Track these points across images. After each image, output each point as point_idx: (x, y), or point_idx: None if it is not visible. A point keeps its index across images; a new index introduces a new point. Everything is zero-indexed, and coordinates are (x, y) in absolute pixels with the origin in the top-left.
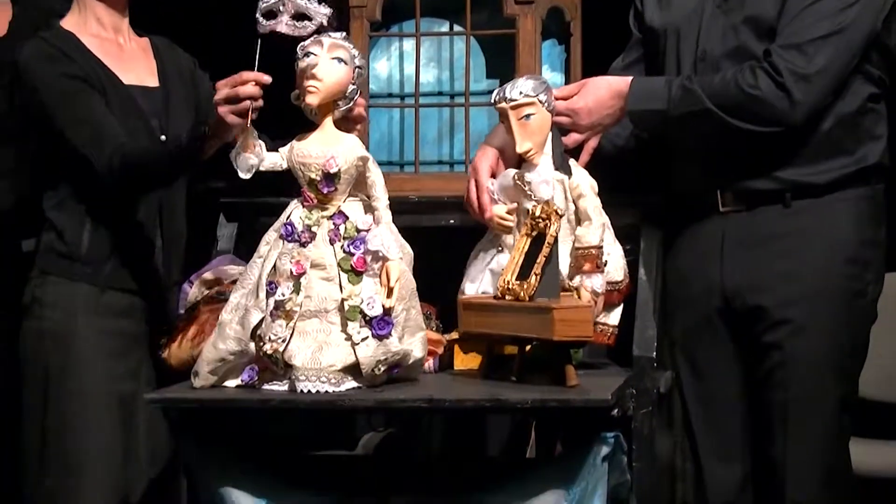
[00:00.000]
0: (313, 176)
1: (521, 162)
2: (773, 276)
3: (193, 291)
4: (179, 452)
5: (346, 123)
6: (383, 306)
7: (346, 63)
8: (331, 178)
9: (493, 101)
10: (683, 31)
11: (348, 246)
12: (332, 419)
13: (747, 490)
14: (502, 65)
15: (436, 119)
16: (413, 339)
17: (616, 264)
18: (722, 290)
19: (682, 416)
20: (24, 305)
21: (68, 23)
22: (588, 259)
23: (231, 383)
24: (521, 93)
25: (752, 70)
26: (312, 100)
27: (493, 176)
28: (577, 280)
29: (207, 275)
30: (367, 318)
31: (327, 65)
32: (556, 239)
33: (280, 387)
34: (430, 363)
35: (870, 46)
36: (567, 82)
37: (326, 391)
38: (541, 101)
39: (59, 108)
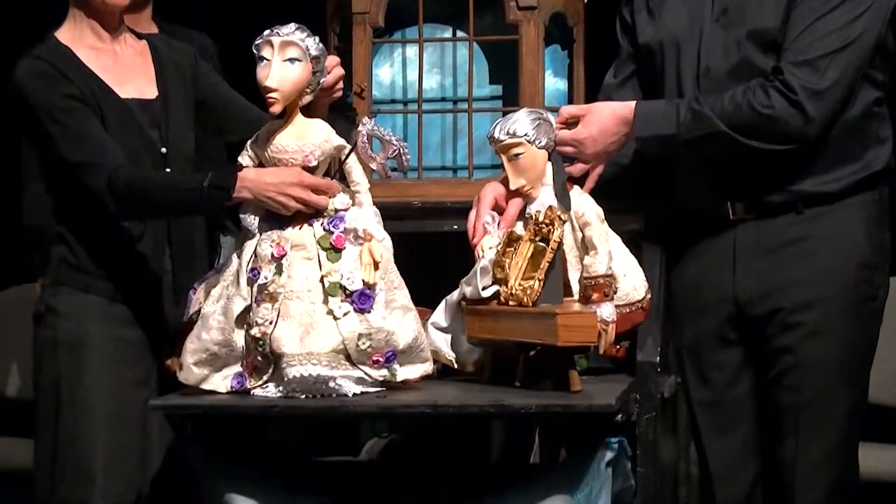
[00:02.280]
0: None
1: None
2: (786, 280)
3: (198, 297)
4: (185, 459)
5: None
6: (364, 281)
7: (299, 60)
8: (309, 171)
9: (486, 137)
10: (682, 46)
11: (328, 224)
12: (334, 424)
13: (757, 494)
14: (505, 70)
15: (439, 125)
16: (403, 320)
17: (635, 283)
18: (734, 297)
19: (689, 422)
20: (37, 314)
21: (64, 35)
22: (596, 289)
23: (218, 384)
24: (507, 133)
25: (763, 89)
26: (276, 109)
27: (497, 209)
28: None
29: (210, 282)
30: (348, 292)
31: (280, 70)
32: (559, 244)
33: (273, 391)
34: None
35: (874, 51)
36: (570, 88)
37: (319, 374)
38: (529, 141)
39: (54, 127)
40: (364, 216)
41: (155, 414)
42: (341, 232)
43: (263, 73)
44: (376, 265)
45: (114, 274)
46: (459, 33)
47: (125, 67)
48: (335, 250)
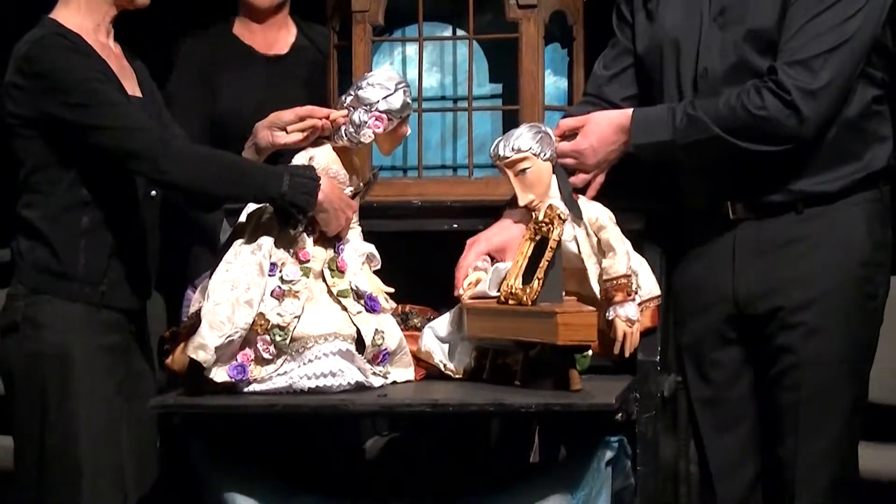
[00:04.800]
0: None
1: (529, 211)
2: (786, 280)
3: (197, 297)
4: (184, 458)
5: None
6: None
7: None
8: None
9: (490, 156)
10: (681, 47)
11: (338, 247)
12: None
13: (756, 492)
14: (505, 69)
15: (439, 123)
16: (388, 322)
17: (651, 280)
18: (734, 297)
19: (689, 421)
20: (10, 324)
21: (69, 24)
22: (618, 289)
23: (215, 372)
24: (512, 149)
25: (756, 90)
26: (389, 153)
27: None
28: (610, 312)
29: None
30: (359, 293)
31: None
32: (558, 243)
33: (283, 381)
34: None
35: (871, 49)
36: (570, 87)
37: (348, 349)
38: (534, 154)
39: (93, 96)
40: (368, 245)
41: (126, 420)
42: (344, 257)
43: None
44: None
45: (99, 282)
46: (459, 32)
47: (120, 65)
48: (339, 271)
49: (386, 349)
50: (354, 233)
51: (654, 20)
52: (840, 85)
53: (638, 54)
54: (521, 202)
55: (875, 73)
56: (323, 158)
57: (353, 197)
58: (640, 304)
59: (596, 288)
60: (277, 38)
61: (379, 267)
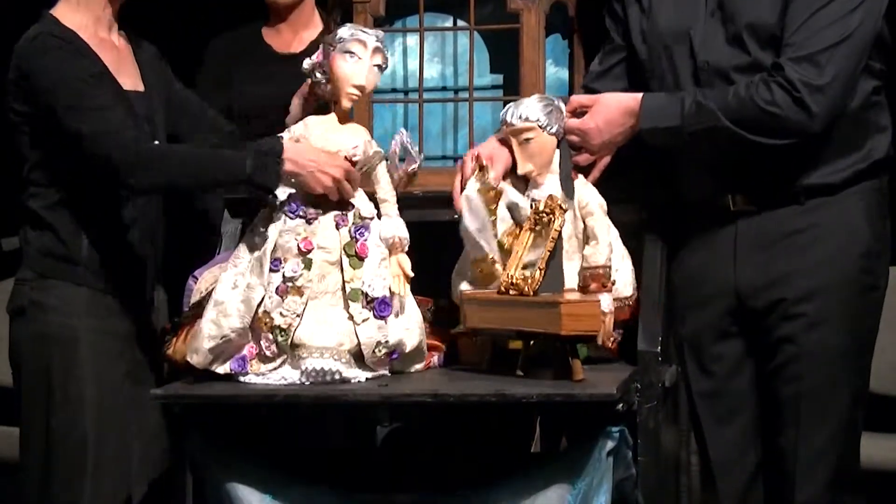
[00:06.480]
0: None
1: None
2: (788, 271)
3: (198, 287)
4: (185, 449)
5: None
6: (390, 289)
7: (384, 68)
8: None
9: (499, 121)
10: (676, 41)
11: (354, 231)
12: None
13: (757, 483)
14: (506, 60)
15: (440, 114)
16: (410, 324)
17: (625, 280)
18: (736, 289)
19: (690, 414)
20: (18, 308)
21: (66, 19)
22: (595, 279)
23: (221, 368)
24: (520, 117)
25: (766, 85)
26: (347, 104)
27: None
28: None
29: (212, 271)
30: (369, 298)
31: (371, 73)
32: (559, 233)
33: (276, 375)
34: (435, 358)
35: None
36: (571, 77)
37: (337, 370)
38: (541, 126)
39: (76, 98)
40: (397, 225)
41: (136, 408)
42: (366, 240)
43: (356, 70)
44: (407, 277)
45: (103, 267)
46: (460, 22)
47: (121, 59)
48: (359, 258)
49: (397, 353)
50: (391, 209)
51: (649, 15)
52: (846, 79)
53: (632, 49)
54: (520, 170)
55: (874, 64)
56: (318, 126)
57: (362, 170)
58: (615, 301)
59: (567, 267)
60: (298, 36)
61: (407, 248)
